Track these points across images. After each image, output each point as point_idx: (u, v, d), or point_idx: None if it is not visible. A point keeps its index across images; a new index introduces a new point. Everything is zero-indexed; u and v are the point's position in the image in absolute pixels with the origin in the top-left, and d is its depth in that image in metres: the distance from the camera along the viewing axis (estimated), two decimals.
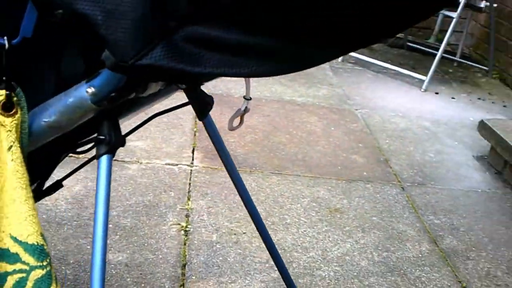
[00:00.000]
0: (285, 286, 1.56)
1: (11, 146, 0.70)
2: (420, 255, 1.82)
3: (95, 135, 0.76)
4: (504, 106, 3.49)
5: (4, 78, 0.68)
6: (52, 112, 0.72)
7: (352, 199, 2.11)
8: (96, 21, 0.60)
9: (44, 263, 0.72)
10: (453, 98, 3.51)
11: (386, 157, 2.51)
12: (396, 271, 1.72)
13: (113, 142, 0.73)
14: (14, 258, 0.72)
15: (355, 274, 1.68)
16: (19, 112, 0.70)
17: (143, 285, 1.51)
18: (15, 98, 0.70)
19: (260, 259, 1.68)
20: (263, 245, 1.74)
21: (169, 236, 1.72)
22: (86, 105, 0.70)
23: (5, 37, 0.67)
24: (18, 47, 0.67)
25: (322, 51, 0.64)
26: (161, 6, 0.60)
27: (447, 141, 2.79)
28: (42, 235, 0.71)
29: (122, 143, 0.74)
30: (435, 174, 2.42)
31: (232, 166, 1.12)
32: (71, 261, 1.55)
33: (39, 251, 0.71)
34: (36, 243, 0.71)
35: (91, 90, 0.68)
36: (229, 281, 1.57)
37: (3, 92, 0.69)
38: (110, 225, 1.72)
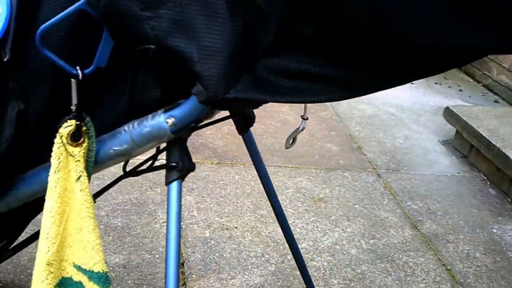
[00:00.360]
0: (282, 279, 1.59)
1: (79, 177, 0.68)
2: (404, 241, 1.89)
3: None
4: (460, 90, 3.64)
5: (74, 108, 0.66)
6: (124, 140, 0.71)
7: (333, 188, 2.17)
8: (191, 57, 0.60)
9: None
10: (412, 83, 3.62)
11: (359, 145, 2.58)
12: (384, 258, 1.79)
13: (185, 168, 0.72)
14: (76, 286, 0.71)
15: (347, 263, 1.73)
16: (86, 141, 0.69)
17: (144, 286, 1.50)
18: (84, 128, 0.68)
19: (256, 253, 1.70)
20: (256, 238, 1.77)
21: (162, 234, 1.71)
22: (165, 134, 0.69)
23: (78, 67, 0.65)
24: (89, 75, 0.66)
25: (389, 80, 0.66)
26: (249, 42, 0.61)
27: (413, 127, 2.89)
28: (106, 262, 0.70)
29: (193, 168, 0.74)
30: (406, 160, 2.51)
31: (269, 183, 1.13)
32: None
33: (104, 279, 0.71)
34: (101, 271, 0.70)
35: (171, 120, 0.68)
36: (229, 277, 1.59)
37: (73, 122, 0.67)
38: (102, 226, 1.69)
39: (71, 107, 0.67)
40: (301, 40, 0.64)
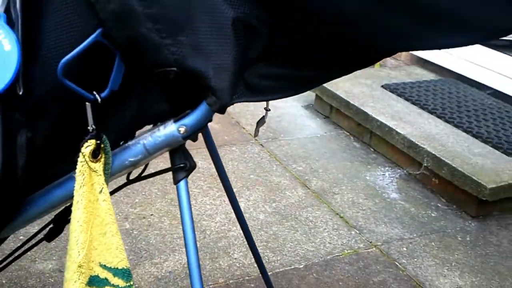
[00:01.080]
0: (209, 252, 1.74)
1: (102, 189, 0.75)
2: (300, 199, 2.14)
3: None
4: None
5: (91, 128, 0.72)
6: (138, 152, 0.78)
7: (226, 163, 2.33)
8: (207, 75, 0.70)
9: (131, 283, 0.80)
10: None
11: (237, 120, 2.77)
12: (289, 217, 2.01)
13: (191, 167, 0.82)
14: (103, 282, 0.79)
15: (259, 227, 1.93)
16: (104, 156, 0.75)
17: None
18: (101, 145, 0.75)
19: (178, 235, 1.81)
20: (173, 221, 1.88)
21: None
22: (177, 142, 0.78)
23: (95, 92, 0.71)
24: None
25: (338, 74, 0.86)
26: (245, 55, 0.74)
27: None
28: (127, 261, 0.79)
29: (195, 165, 0.83)
30: (280, 127, 2.76)
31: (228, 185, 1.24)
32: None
33: (127, 274, 0.79)
34: (125, 267, 0.79)
35: (183, 129, 0.76)
36: (162, 261, 1.68)
37: (93, 141, 0.73)
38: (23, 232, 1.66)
39: (88, 127, 0.73)
40: (278, 49, 0.79)
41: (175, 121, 0.78)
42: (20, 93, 0.70)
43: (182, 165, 0.82)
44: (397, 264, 1.83)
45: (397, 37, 0.75)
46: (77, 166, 0.75)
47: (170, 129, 0.78)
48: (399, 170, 2.45)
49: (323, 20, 0.75)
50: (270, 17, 0.75)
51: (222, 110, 0.75)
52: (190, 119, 0.77)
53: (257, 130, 1.04)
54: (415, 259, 1.86)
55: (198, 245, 1.76)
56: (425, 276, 1.78)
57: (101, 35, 0.70)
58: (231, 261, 1.73)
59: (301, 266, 1.76)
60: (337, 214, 2.08)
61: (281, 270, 1.72)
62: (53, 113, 0.75)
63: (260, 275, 1.59)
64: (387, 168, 2.46)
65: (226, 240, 1.83)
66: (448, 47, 0.79)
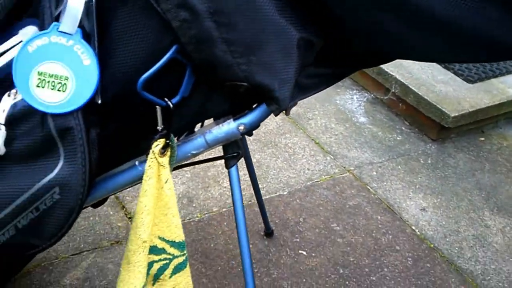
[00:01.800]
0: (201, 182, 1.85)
1: (167, 180, 0.84)
2: (278, 126, 2.26)
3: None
4: None
5: (161, 128, 0.80)
6: (200, 145, 0.86)
7: None
8: (273, 88, 0.78)
9: (184, 252, 0.92)
10: None
11: None
12: (269, 144, 2.15)
13: (241, 155, 0.92)
14: (160, 251, 0.91)
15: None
16: (170, 151, 0.83)
17: (91, 218, 1.65)
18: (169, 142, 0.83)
19: None
20: None
21: None
22: (235, 137, 0.87)
23: (166, 99, 0.78)
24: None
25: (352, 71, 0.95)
26: (303, 65, 0.82)
27: None
28: (183, 236, 0.90)
29: (244, 153, 0.93)
30: None
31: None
32: None
33: (182, 245, 0.91)
34: (181, 240, 0.90)
35: (242, 127, 0.85)
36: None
37: (162, 140, 0.81)
38: None
39: (158, 128, 0.81)
40: (325, 53, 0.88)
41: (234, 119, 0.86)
42: (99, 102, 0.76)
43: (235, 154, 0.91)
44: (369, 188, 2.02)
45: (416, 50, 0.84)
46: (147, 161, 0.83)
47: (230, 126, 0.86)
48: (366, 94, 2.59)
49: (362, 37, 0.83)
50: (325, 32, 0.83)
51: (278, 112, 0.84)
52: (249, 119, 0.85)
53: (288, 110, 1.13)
54: (384, 183, 2.06)
55: (189, 176, 1.88)
56: (394, 199, 1.99)
57: (177, 52, 0.76)
58: (221, 190, 1.87)
59: (285, 193, 1.92)
60: (313, 140, 2.23)
61: (267, 197, 1.88)
62: (120, 114, 0.82)
63: (249, 203, 1.75)
64: (355, 92, 2.60)
65: (214, 169, 1.95)
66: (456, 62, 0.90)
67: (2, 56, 0.78)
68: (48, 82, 0.74)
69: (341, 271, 1.66)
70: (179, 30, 0.73)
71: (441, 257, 1.78)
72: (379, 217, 1.89)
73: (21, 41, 0.77)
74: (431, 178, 2.12)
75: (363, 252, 1.74)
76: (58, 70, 0.74)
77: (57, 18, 0.74)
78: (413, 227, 1.89)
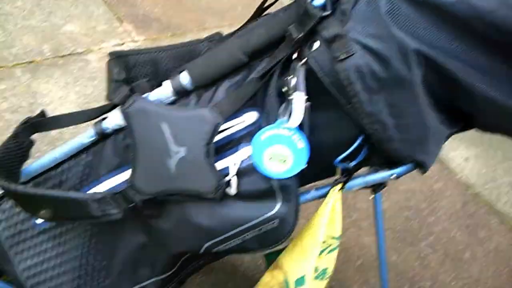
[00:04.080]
0: None
1: (337, 203, 1.13)
2: None
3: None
4: None
5: (343, 177, 1.09)
6: (360, 183, 1.13)
7: None
8: (427, 163, 1.05)
9: (339, 241, 1.23)
10: None
11: None
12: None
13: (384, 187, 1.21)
14: (326, 245, 1.21)
15: None
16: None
17: None
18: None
19: None
20: None
21: None
22: (384, 181, 1.14)
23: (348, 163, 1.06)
24: None
25: None
26: None
27: None
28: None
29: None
30: None
31: None
32: None
33: (340, 239, 1.21)
34: (340, 234, 1.21)
35: (394, 176, 1.11)
36: None
37: (340, 185, 1.10)
38: None
39: (338, 178, 1.10)
40: None
41: (389, 169, 1.12)
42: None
43: (382, 186, 1.20)
44: None
45: None
46: (328, 196, 1.13)
47: (385, 174, 1.12)
48: None
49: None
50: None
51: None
52: (400, 171, 1.11)
53: None
54: None
55: None
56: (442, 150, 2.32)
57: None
58: None
59: None
60: None
61: None
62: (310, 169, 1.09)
63: None
64: None
65: None
66: None
67: (229, 129, 1.06)
68: (276, 158, 1.03)
69: (406, 213, 2.02)
70: (372, 135, 0.99)
71: (483, 201, 2.15)
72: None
73: (244, 121, 1.05)
74: (471, 130, 2.44)
75: (421, 197, 2.09)
76: (282, 151, 1.03)
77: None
78: (459, 175, 2.24)
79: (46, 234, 1.20)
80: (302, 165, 1.02)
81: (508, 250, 1.96)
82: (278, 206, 1.07)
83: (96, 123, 1.12)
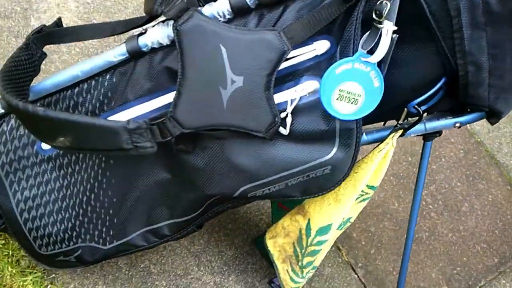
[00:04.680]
0: None
1: (389, 152, 1.06)
2: None
3: None
4: None
5: (404, 123, 1.02)
6: (420, 130, 1.06)
7: None
8: (504, 112, 0.97)
9: (373, 191, 1.18)
10: None
11: None
12: None
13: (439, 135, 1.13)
14: (363, 192, 1.17)
15: None
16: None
17: None
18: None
19: None
20: None
21: None
22: (445, 129, 1.07)
23: (418, 107, 0.98)
24: None
25: None
26: None
27: None
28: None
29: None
30: None
31: None
32: None
33: (375, 188, 1.17)
34: (376, 185, 1.16)
35: (458, 124, 1.04)
36: None
37: (400, 131, 1.02)
38: None
39: (398, 123, 1.01)
40: None
41: (453, 117, 1.05)
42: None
43: (437, 135, 1.12)
44: None
45: None
46: (385, 141, 1.05)
47: (448, 121, 1.06)
48: None
49: None
50: None
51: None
52: (465, 119, 1.05)
53: None
54: None
55: None
56: None
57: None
58: None
59: None
60: None
61: None
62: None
63: None
64: None
65: None
66: None
67: (294, 58, 0.93)
68: (345, 97, 0.92)
69: (410, 159, 1.99)
70: (462, 77, 0.90)
71: (485, 151, 2.14)
72: None
73: (314, 49, 0.92)
74: None
75: None
76: (354, 89, 0.91)
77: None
78: None
79: (50, 163, 1.10)
80: (373, 106, 0.93)
81: (503, 205, 1.99)
82: (334, 151, 0.98)
83: (129, 38, 0.97)
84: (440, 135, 1.14)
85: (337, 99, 0.92)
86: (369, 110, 0.93)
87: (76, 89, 1.02)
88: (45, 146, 1.09)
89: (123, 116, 1.00)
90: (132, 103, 1.00)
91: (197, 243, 1.51)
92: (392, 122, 1.10)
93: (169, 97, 0.97)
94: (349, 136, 0.97)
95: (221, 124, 0.93)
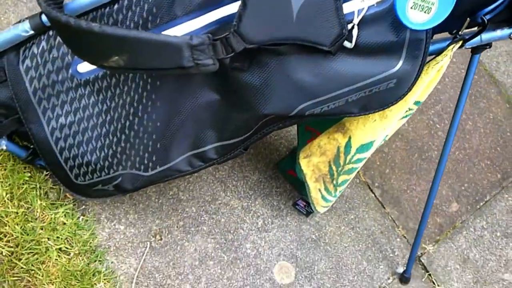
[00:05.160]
0: None
1: (444, 65, 1.03)
2: None
3: None
4: None
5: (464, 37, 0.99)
6: (477, 41, 1.04)
7: None
8: None
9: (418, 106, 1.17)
10: None
11: None
12: None
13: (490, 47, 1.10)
14: (409, 110, 1.16)
15: None
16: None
17: None
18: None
19: None
20: None
21: None
22: (501, 39, 1.04)
23: (483, 17, 0.95)
24: None
25: None
26: None
27: None
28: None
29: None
30: None
31: None
32: None
33: (420, 103, 1.15)
34: (422, 100, 1.14)
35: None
36: None
37: (460, 43, 1.00)
38: None
39: (460, 33, 0.98)
40: None
41: (509, 27, 1.03)
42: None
43: (487, 47, 1.09)
44: None
45: None
46: (443, 52, 1.02)
47: (505, 32, 1.03)
48: None
49: None
50: None
51: None
52: None
53: None
54: None
55: None
56: None
57: None
58: None
59: None
60: None
61: None
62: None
63: None
64: None
65: None
66: None
67: None
68: (420, 5, 0.88)
69: None
70: None
71: (484, 70, 2.15)
72: None
73: None
74: None
75: None
76: None
77: None
78: None
79: (88, 87, 1.02)
80: (445, 15, 0.90)
81: (503, 122, 2.03)
82: (400, 63, 0.95)
83: None
84: (490, 47, 1.12)
85: (411, 7, 0.87)
86: (440, 19, 0.90)
87: (116, 6, 0.93)
88: (81, 69, 1.00)
89: (171, 33, 0.93)
90: (180, 19, 0.91)
91: (222, 169, 1.48)
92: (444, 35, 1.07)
93: (222, 11, 0.90)
94: (418, 47, 0.94)
95: (288, 37, 0.88)
